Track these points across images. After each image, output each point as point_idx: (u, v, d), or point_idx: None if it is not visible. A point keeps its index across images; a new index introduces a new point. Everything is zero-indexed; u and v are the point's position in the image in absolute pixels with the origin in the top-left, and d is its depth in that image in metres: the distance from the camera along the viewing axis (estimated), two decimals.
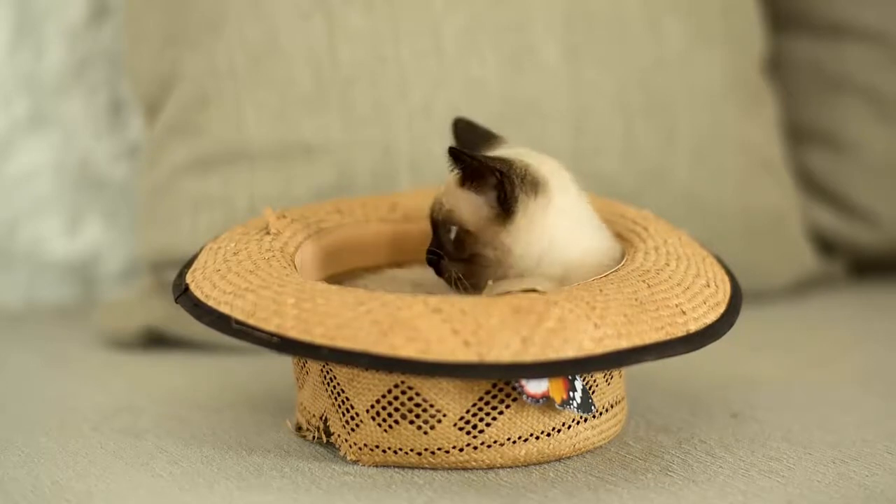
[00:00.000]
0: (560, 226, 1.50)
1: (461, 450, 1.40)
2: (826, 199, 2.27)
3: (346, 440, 1.44)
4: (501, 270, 1.49)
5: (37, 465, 1.44)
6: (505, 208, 1.47)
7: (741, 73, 2.15)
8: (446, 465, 1.41)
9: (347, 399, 1.43)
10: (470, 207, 1.49)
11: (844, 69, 2.25)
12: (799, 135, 2.28)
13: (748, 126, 2.15)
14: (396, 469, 1.41)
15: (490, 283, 1.48)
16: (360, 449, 1.43)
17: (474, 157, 1.46)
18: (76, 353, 1.98)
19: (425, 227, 1.56)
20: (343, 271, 1.62)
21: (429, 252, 1.51)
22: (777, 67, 2.28)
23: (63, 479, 1.40)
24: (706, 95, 2.11)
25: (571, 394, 1.39)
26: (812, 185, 2.28)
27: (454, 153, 1.46)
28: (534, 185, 1.48)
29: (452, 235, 1.49)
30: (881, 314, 2.13)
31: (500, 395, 1.39)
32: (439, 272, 1.51)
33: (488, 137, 1.57)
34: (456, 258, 1.49)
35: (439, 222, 1.51)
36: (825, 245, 2.28)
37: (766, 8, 2.25)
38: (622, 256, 1.53)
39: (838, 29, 2.25)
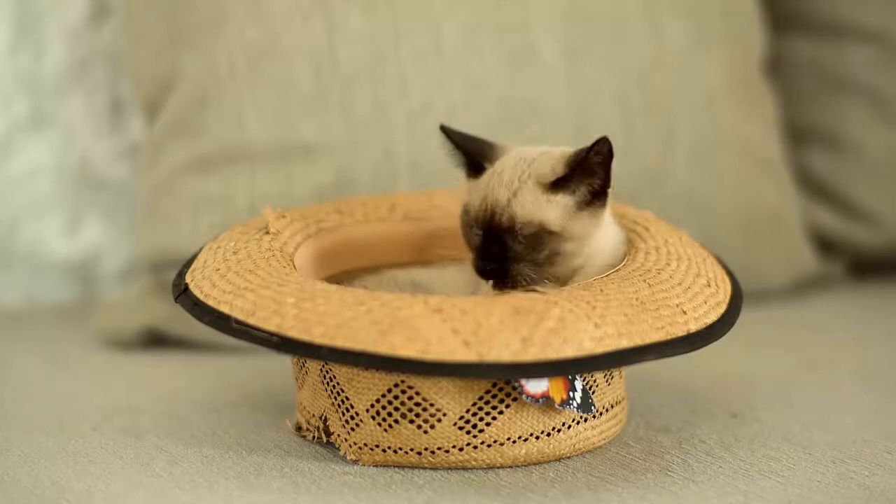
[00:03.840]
0: (609, 218, 1.52)
1: (461, 449, 1.40)
2: (826, 199, 2.27)
3: (346, 440, 1.43)
4: (572, 263, 1.49)
5: (37, 465, 1.44)
6: (601, 200, 1.48)
7: (741, 73, 2.15)
8: (446, 465, 1.41)
9: (347, 399, 1.42)
10: (558, 208, 1.47)
11: (845, 69, 2.25)
12: (799, 135, 2.28)
13: (748, 126, 2.14)
14: (396, 469, 1.41)
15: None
16: (359, 448, 1.42)
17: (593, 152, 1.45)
18: (76, 354, 1.97)
19: (425, 227, 1.56)
20: (343, 271, 1.62)
21: (488, 263, 1.47)
22: (777, 67, 2.28)
23: (63, 479, 1.40)
24: (706, 96, 2.11)
25: (571, 394, 1.39)
26: (812, 185, 2.27)
27: (587, 151, 1.44)
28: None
29: (527, 237, 1.47)
30: (881, 314, 2.13)
31: (500, 395, 1.39)
32: (503, 278, 1.47)
33: (487, 144, 1.55)
34: (530, 260, 1.47)
35: (506, 230, 1.47)
36: (825, 245, 2.28)
37: (766, 8, 2.25)
38: (623, 256, 1.53)
39: (839, 29, 2.24)
